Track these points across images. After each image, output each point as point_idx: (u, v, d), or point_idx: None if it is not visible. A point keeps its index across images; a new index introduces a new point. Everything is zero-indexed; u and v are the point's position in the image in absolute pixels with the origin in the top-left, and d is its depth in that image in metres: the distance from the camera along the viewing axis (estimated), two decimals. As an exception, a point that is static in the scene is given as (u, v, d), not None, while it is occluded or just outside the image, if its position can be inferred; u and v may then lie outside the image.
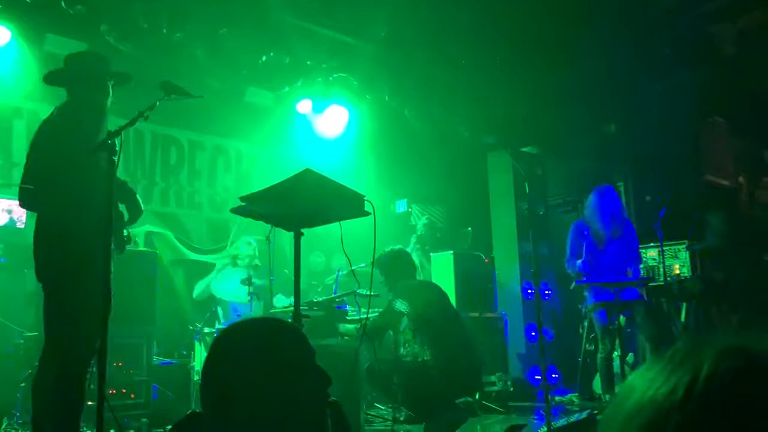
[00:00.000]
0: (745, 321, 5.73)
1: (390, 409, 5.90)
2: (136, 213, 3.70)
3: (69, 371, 3.25)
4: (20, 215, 5.87)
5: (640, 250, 6.09)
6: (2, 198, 5.82)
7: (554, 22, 6.44)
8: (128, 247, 3.70)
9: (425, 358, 4.74)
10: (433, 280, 7.24)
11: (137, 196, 3.72)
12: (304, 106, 7.74)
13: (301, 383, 1.50)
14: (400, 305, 4.87)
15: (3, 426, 5.02)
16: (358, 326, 4.89)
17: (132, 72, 3.89)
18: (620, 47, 6.92)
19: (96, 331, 2.67)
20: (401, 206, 8.90)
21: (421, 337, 4.81)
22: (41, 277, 3.42)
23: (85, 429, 3.50)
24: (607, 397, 5.57)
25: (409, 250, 7.75)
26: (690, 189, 7.17)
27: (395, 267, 5.09)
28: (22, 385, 4.93)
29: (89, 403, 3.46)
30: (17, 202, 5.74)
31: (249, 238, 7.01)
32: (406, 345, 4.89)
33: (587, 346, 6.74)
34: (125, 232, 3.59)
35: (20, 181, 3.42)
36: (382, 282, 5.14)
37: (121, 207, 3.65)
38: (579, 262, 5.55)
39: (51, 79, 3.72)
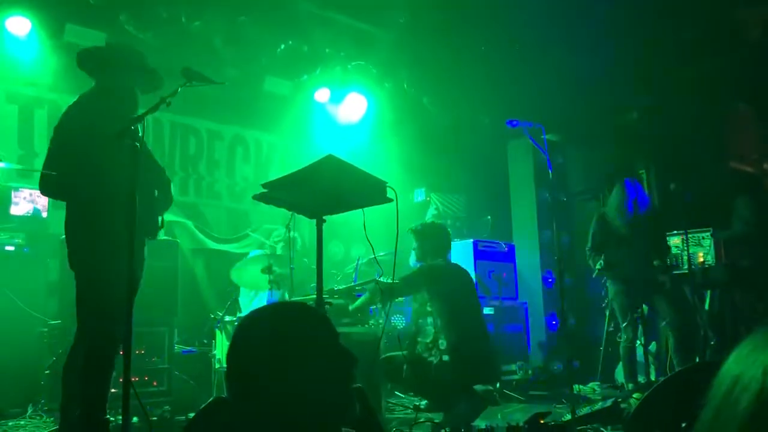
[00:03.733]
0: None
1: (411, 397, 5.90)
2: (166, 202, 3.72)
3: (97, 358, 3.27)
4: (44, 204, 5.91)
5: (666, 239, 6.02)
6: (26, 188, 5.86)
7: (576, 8, 6.35)
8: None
9: (439, 342, 4.71)
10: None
11: (170, 185, 3.74)
12: (323, 94, 7.71)
13: (326, 364, 1.48)
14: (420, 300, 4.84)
15: (28, 412, 5.09)
16: (375, 287, 4.82)
17: (151, 61, 3.88)
18: (643, 33, 6.80)
19: (122, 318, 2.68)
20: (420, 195, 8.85)
21: (439, 320, 4.78)
22: (73, 264, 3.43)
23: (109, 416, 3.51)
24: (630, 385, 5.52)
25: None
26: (714, 176, 7.06)
27: (431, 239, 5.03)
28: (47, 372, 4.99)
29: (113, 390, 3.48)
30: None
31: (274, 227, 6.99)
32: (424, 331, 4.86)
33: (609, 334, 6.69)
34: (159, 219, 3.61)
35: (42, 168, 3.42)
36: (414, 248, 5.09)
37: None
38: (600, 261, 5.48)
39: (84, 57, 3.67)
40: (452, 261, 5.54)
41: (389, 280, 4.49)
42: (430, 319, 4.86)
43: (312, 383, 1.45)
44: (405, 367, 4.80)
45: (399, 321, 6.97)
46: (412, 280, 4.84)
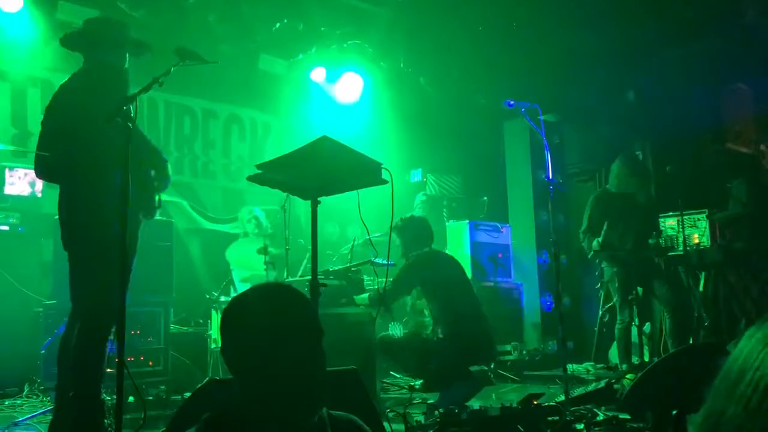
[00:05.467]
0: (765, 290, 5.66)
1: (406, 378, 5.93)
2: (163, 182, 3.67)
3: (91, 338, 3.27)
4: (38, 184, 5.88)
5: (660, 220, 6.02)
6: (21, 168, 5.82)
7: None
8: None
9: (438, 330, 4.73)
10: (449, 250, 7.22)
11: (167, 165, 3.70)
12: (318, 73, 7.65)
13: (297, 348, 1.50)
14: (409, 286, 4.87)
15: (25, 392, 5.11)
16: (372, 293, 4.89)
17: (144, 38, 3.84)
18: (640, 12, 6.74)
19: (116, 298, 2.67)
20: (416, 176, 8.83)
21: (436, 307, 4.80)
22: (66, 245, 3.42)
23: (105, 395, 3.52)
24: (624, 366, 5.56)
25: None
26: (710, 157, 7.05)
27: (412, 233, 5.04)
28: (42, 352, 4.99)
29: (108, 370, 3.48)
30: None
31: (255, 209, 6.96)
32: (419, 313, 4.90)
33: (603, 315, 6.72)
34: (156, 198, 3.58)
35: (36, 149, 3.40)
36: (397, 246, 5.10)
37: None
38: (596, 242, 5.48)
39: (67, 41, 3.65)
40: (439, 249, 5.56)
41: (384, 261, 4.49)
42: (426, 311, 4.87)
43: (284, 366, 1.47)
44: (404, 346, 4.82)
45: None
46: (403, 279, 4.82)
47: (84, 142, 3.26)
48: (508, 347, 6.70)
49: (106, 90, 3.36)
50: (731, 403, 0.57)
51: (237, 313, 1.56)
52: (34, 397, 5.05)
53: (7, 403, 4.94)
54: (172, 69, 2.94)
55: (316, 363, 1.52)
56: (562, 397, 4.06)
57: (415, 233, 5.03)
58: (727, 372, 0.60)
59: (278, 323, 1.50)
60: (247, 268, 6.62)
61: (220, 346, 1.61)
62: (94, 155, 3.26)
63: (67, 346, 3.36)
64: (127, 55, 3.66)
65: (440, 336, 4.66)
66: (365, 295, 5.00)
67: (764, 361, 0.56)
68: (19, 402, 4.96)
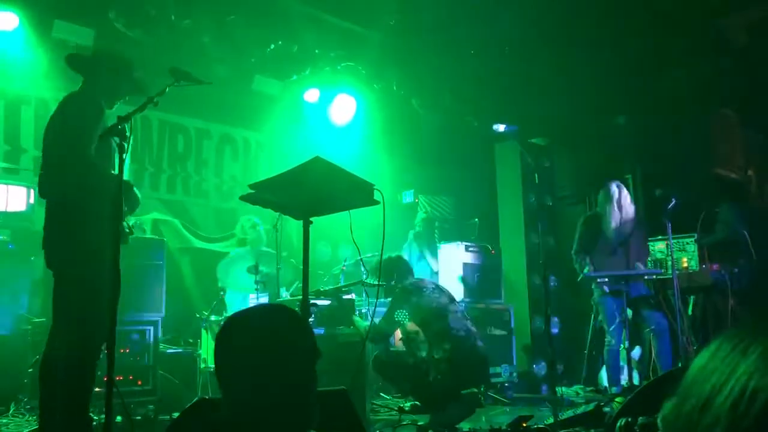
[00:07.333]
0: (754, 314, 5.70)
1: (396, 399, 5.91)
2: (132, 204, 3.61)
3: (79, 357, 3.25)
4: (30, 201, 5.87)
5: (649, 244, 6.07)
6: (13, 185, 5.82)
7: (564, 12, 6.39)
8: (137, 234, 3.69)
9: (434, 352, 4.73)
10: (440, 271, 7.24)
11: (133, 187, 3.65)
12: (312, 95, 7.71)
13: (296, 369, 1.51)
14: (401, 315, 4.88)
15: (11, 411, 5.06)
16: (370, 334, 4.91)
17: (139, 58, 3.87)
18: (630, 38, 6.85)
19: (105, 318, 2.67)
20: (408, 197, 8.87)
21: (426, 329, 4.81)
22: (52, 264, 3.41)
23: (92, 415, 3.49)
24: (613, 389, 5.56)
25: (407, 245, 7.77)
26: (699, 182, 7.12)
27: (391, 271, 5.08)
28: (30, 370, 4.95)
29: (97, 389, 3.46)
30: (32, 190, 5.77)
31: (255, 218, 6.94)
32: (413, 342, 4.90)
33: (593, 338, 6.73)
34: (127, 223, 3.54)
35: (40, 169, 3.42)
36: (382, 286, 5.12)
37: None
38: (587, 269, 5.54)
39: (73, 61, 3.66)
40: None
41: (375, 281, 4.50)
42: (422, 336, 4.87)
43: (281, 387, 1.48)
44: (399, 366, 4.82)
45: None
46: (393, 314, 4.85)
47: (76, 161, 3.28)
48: (499, 369, 6.69)
49: (98, 113, 3.38)
50: (679, 420, 0.59)
51: (237, 331, 1.57)
52: (20, 416, 4.99)
53: (-8, 422, 4.89)
54: (167, 89, 2.98)
55: (310, 385, 1.53)
56: (551, 420, 4.06)
57: (397, 271, 5.06)
58: (678, 391, 0.62)
59: (280, 344, 1.51)
60: (237, 287, 6.61)
61: (213, 364, 1.62)
62: (86, 176, 3.28)
63: (49, 363, 3.32)
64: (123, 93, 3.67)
65: (436, 357, 4.67)
66: (362, 324, 4.98)
67: (694, 385, 0.59)
68: (4, 421, 4.90)
